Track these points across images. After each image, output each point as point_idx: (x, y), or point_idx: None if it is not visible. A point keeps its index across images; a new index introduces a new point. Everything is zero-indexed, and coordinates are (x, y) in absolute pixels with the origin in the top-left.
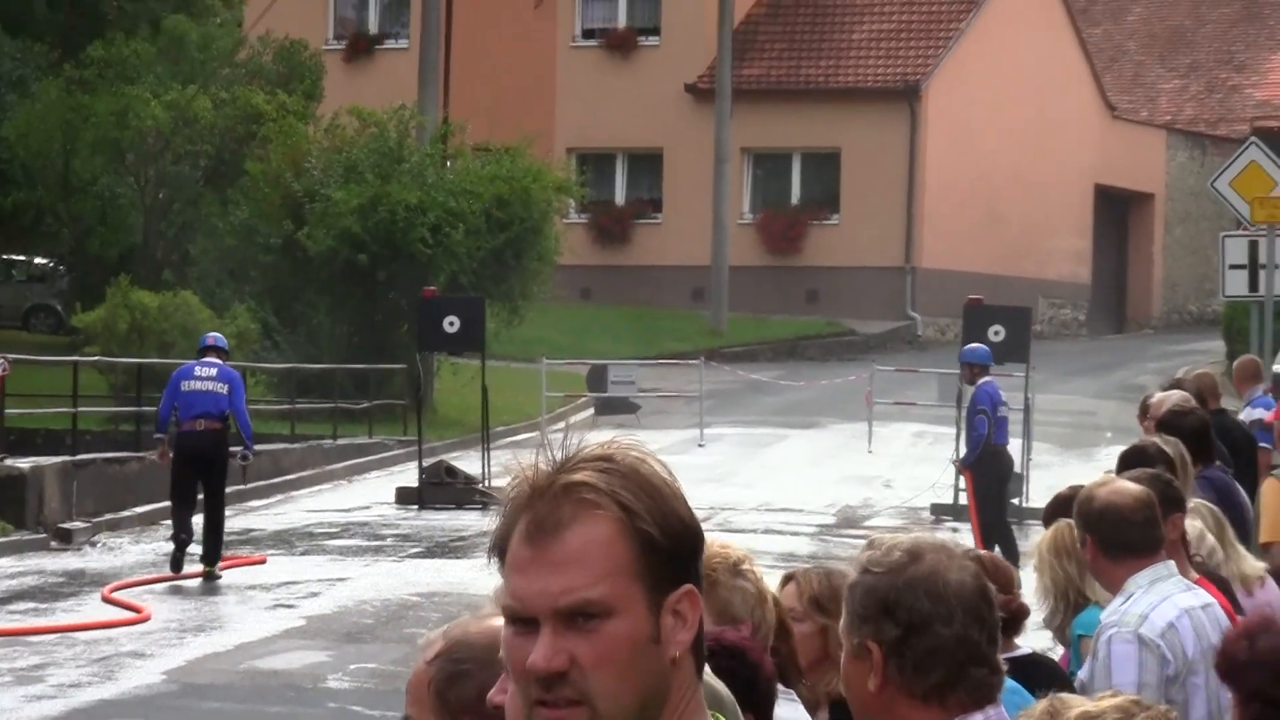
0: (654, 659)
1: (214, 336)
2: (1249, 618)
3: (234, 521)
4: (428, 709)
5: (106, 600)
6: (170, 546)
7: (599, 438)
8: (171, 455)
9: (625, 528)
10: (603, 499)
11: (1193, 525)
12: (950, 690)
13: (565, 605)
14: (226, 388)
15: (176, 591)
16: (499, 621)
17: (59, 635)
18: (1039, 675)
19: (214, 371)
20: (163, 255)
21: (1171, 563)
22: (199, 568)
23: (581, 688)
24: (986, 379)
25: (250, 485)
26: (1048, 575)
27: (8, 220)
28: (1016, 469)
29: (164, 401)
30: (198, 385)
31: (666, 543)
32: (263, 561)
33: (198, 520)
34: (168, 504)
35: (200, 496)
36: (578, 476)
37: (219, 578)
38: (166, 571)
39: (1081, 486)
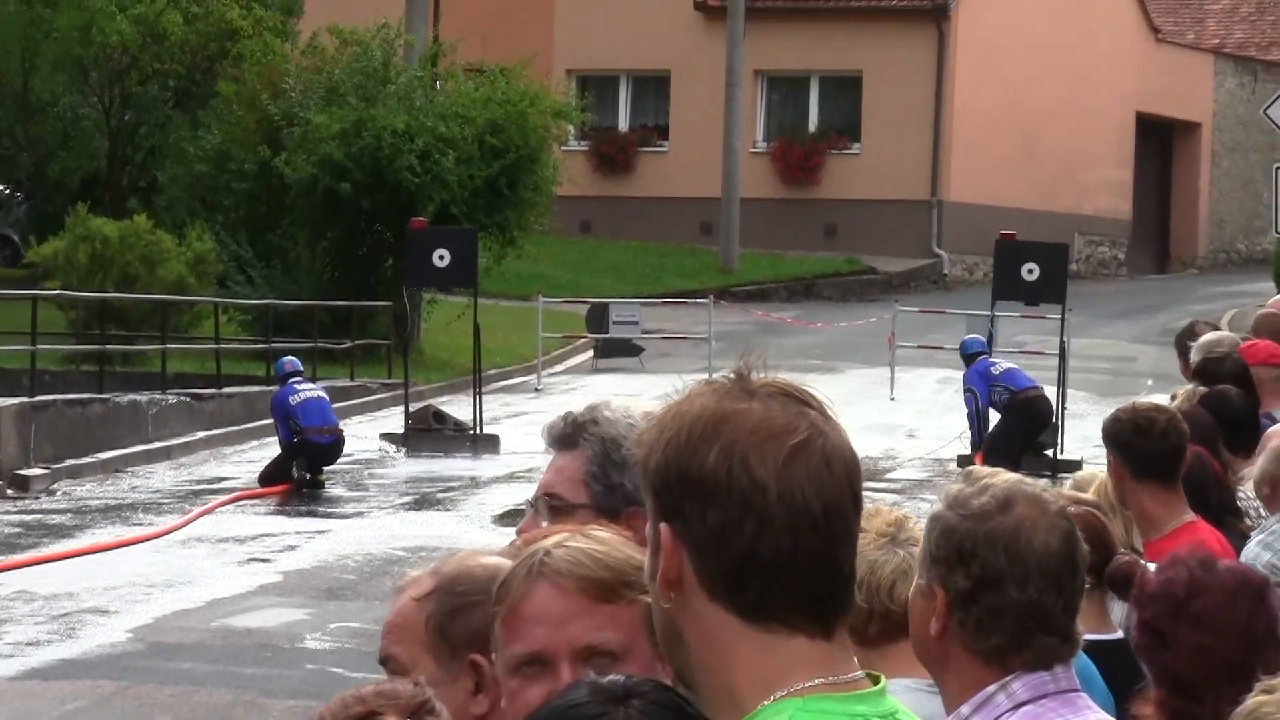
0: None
1: (291, 361)
2: (1172, 554)
3: (206, 469)
4: (422, 646)
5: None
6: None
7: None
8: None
9: None
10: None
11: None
12: (1014, 654)
13: None
14: (325, 394)
15: (142, 544)
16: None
17: (16, 591)
18: (1125, 669)
19: (312, 383)
20: (129, 182)
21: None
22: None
23: None
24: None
25: (223, 430)
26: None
27: None
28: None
29: (280, 429)
30: (307, 394)
31: None
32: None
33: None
34: (132, 449)
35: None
36: None
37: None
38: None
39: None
